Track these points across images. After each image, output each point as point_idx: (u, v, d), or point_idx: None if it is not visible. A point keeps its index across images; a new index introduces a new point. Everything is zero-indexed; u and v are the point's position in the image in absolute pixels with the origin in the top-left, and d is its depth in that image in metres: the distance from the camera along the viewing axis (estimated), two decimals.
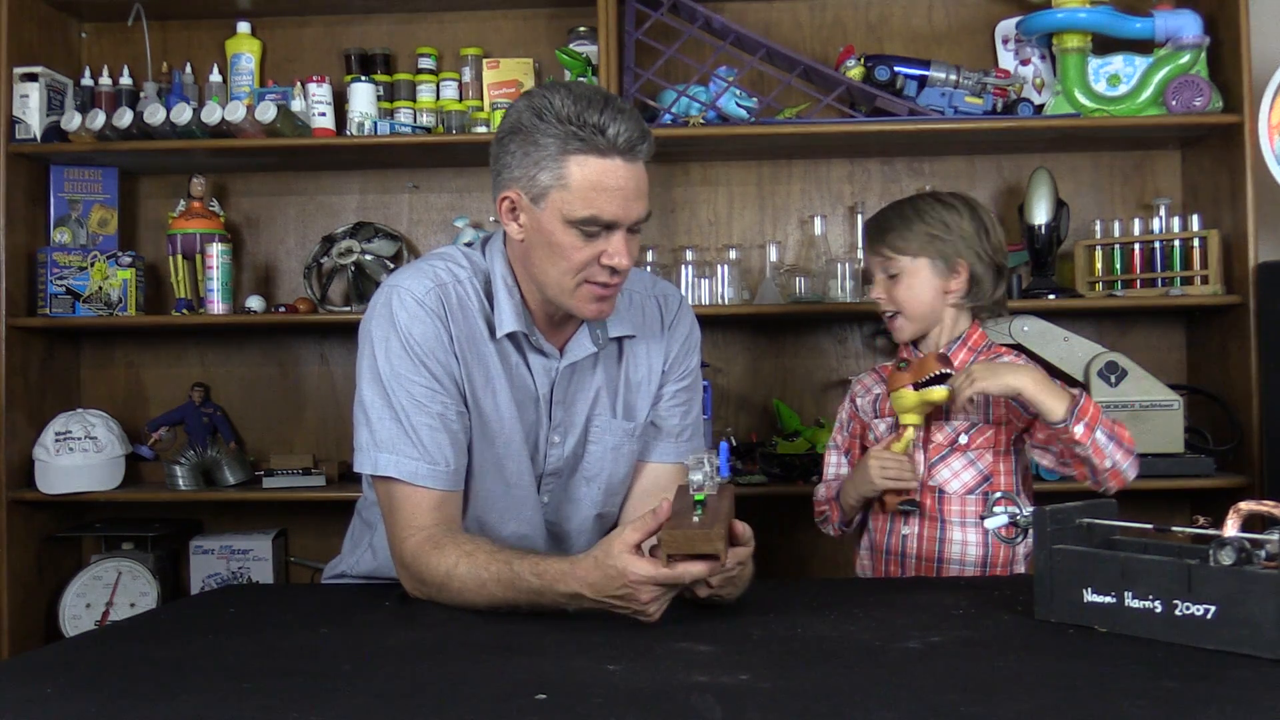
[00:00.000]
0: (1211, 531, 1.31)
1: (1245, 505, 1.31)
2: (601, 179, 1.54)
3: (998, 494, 1.64)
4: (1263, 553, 1.25)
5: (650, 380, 1.78)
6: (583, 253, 1.57)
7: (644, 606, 1.38)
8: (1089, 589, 1.35)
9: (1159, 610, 1.29)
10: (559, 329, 1.71)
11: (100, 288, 2.84)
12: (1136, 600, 1.31)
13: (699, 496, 1.40)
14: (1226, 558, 1.25)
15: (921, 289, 1.96)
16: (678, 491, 1.47)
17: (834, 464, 2.10)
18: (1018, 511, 1.58)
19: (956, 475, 1.93)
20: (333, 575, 1.92)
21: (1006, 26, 2.93)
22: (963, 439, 1.93)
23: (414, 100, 2.94)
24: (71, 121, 2.77)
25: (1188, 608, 1.26)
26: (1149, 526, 1.45)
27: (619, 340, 1.76)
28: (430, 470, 1.61)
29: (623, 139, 1.53)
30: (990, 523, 1.58)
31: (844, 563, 2.69)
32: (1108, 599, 1.34)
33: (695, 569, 1.35)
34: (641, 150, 1.57)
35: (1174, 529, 1.42)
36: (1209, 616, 1.25)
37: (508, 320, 1.65)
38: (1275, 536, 1.25)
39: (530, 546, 1.77)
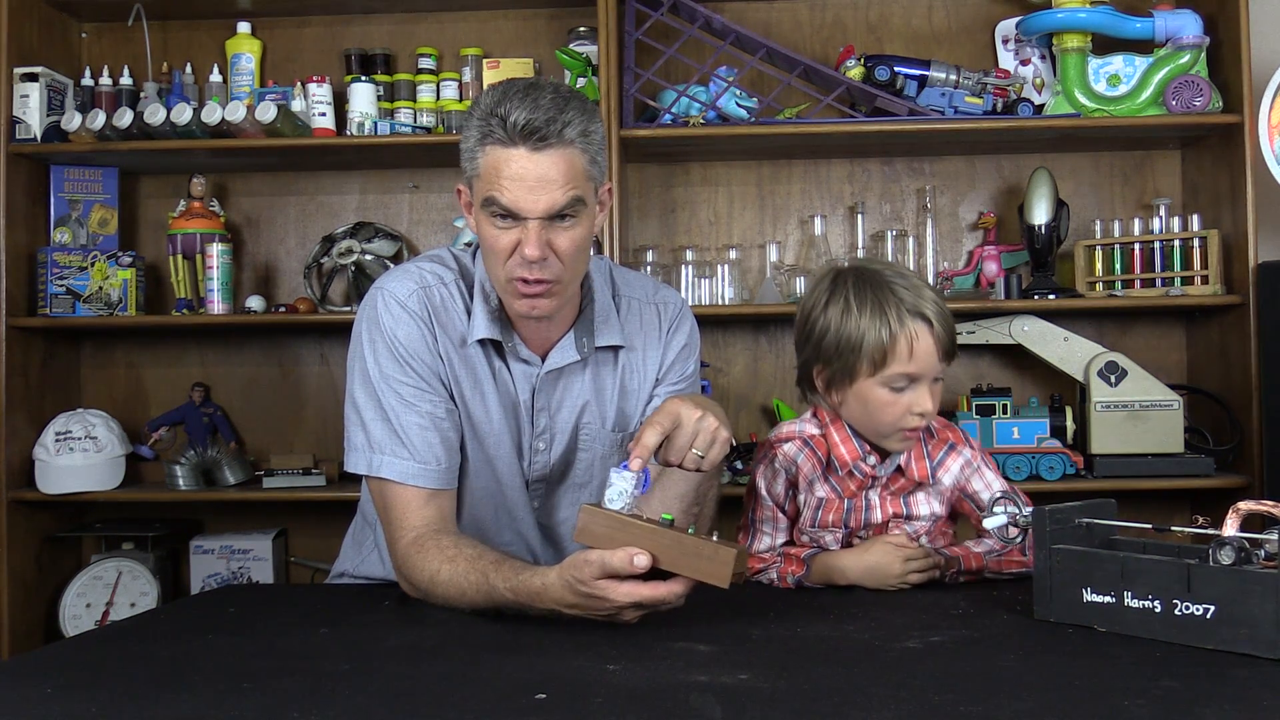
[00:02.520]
0: (1211, 531, 1.31)
1: (1244, 505, 1.31)
2: (503, 166, 1.51)
3: (997, 494, 1.64)
4: (1262, 552, 1.26)
5: (645, 387, 1.77)
6: (501, 241, 1.55)
7: (627, 621, 1.38)
8: (1088, 589, 1.35)
9: (1158, 610, 1.29)
10: (543, 334, 1.69)
11: (100, 288, 2.84)
12: (1136, 600, 1.31)
13: (666, 516, 1.39)
14: (1226, 557, 1.26)
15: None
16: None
17: (770, 546, 1.73)
18: (1017, 511, 1.58)
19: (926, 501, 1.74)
20: (334, 576, 1.92)
21: (1006, 26, 2.93)
22: (924, 540, 1.71)
23: (414, 100, 2.94)
24: (72, 121, 2.77)
25: (1187, 607, 1.27)
26: (1148, 526, 1.46)
27: (615, 349, 1.74)
28: (421, 469, 1.61)
29: (523, 126, 1.48)
30: (990, 523, 1.58)
31: None
32: (1107, 599, 1.34)
33: (678, 588, 1.35)
34: (549, 135, 1.49)
35: (1173, 529, 1.42)
36: (1208, 616, 1.25)
37: (480, 327, 1.65)
38: (1274, 536, 1.25)
39: (525, 546, 1.77)
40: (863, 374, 1.61)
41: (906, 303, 1.60)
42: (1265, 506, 1.31)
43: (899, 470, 1.69)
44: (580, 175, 1.53)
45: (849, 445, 1.68)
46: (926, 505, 1.69)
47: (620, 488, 1.39)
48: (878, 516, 1.69)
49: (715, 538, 1.34)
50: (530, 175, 1.50)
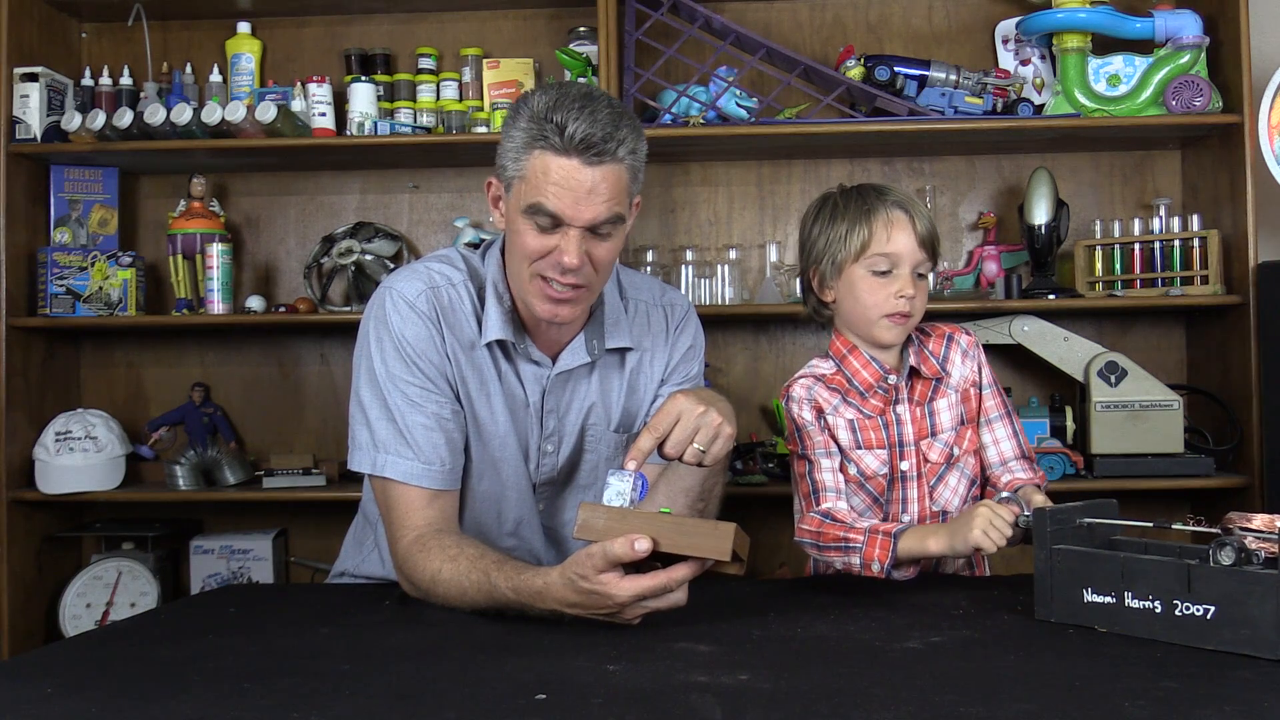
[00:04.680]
0: (1212, 530, 1.32)
1: (1236, 524, 1.32)
2: (554, 174, 1.52)
3: (1001, 495, 1.64)
4: (1262, 553, 1.26)
5: (651, 388, 1.78)
6: (536, 242, 1.55)
7: (629, 620, 1.38)
8: (1089, 589, 1.35)
9: (1159, 610, 1.29)
10: (554, 336, 1.69)
11: (100, 288, 2.84)
12: (1136, 600, 1.31)
13: (665, 510, 1.40)
14: (1226, 558, 1.26)
15: (926, 297, 1.82)
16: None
17: (831, 472, 1.76)
18: (1019, 511, 1.58)
19: (955, 492, 1.81)
20: (334, 575, 1.92)
21: (1006, 26, 2.93)
22: (955, 451, 1.80)
23: (414, 100, 2.94)
24: (72, 121, 2.77)
25: (1188, 608, 1.27)
26: (1149, 524, 1.46)
27: (622, 352, 1.75)
28: (425, 470, 1.62)
29: (580, 139, 1.50)
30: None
31: None
32: (1108, 599, 1.34)
33: (679, 573, 1.34)
34: (606, 151, 1.51)
35: (1175, 526, 1.43)
36: (1209, 617, 1.25)
37: (493, 328, 1.65)
38: (1275, 536, 1.25)
39: (529, 549, 1.77)
40: (849, 262, 1.76)
41: (887, 197, 1.77)
42: (1254, 524, 1.31)
43: (915, 374, 1.80)
44: (623, 192, 1.56)
45: (870, 369, 1.79)
46: (948, 411, 1.80)
47: (618, 488, 1.39)
48: (910, 432, 1.78)
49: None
50: (580, 187, 1.51)
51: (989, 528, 1.56)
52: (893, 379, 1.79)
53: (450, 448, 1.64)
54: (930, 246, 1.77)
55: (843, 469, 1.77)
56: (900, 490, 1.78)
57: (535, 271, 1.57)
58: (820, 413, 1.78)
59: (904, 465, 1.77)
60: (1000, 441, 1.82)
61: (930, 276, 1.83)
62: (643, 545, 1.31)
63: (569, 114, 1.50)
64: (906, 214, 1.75)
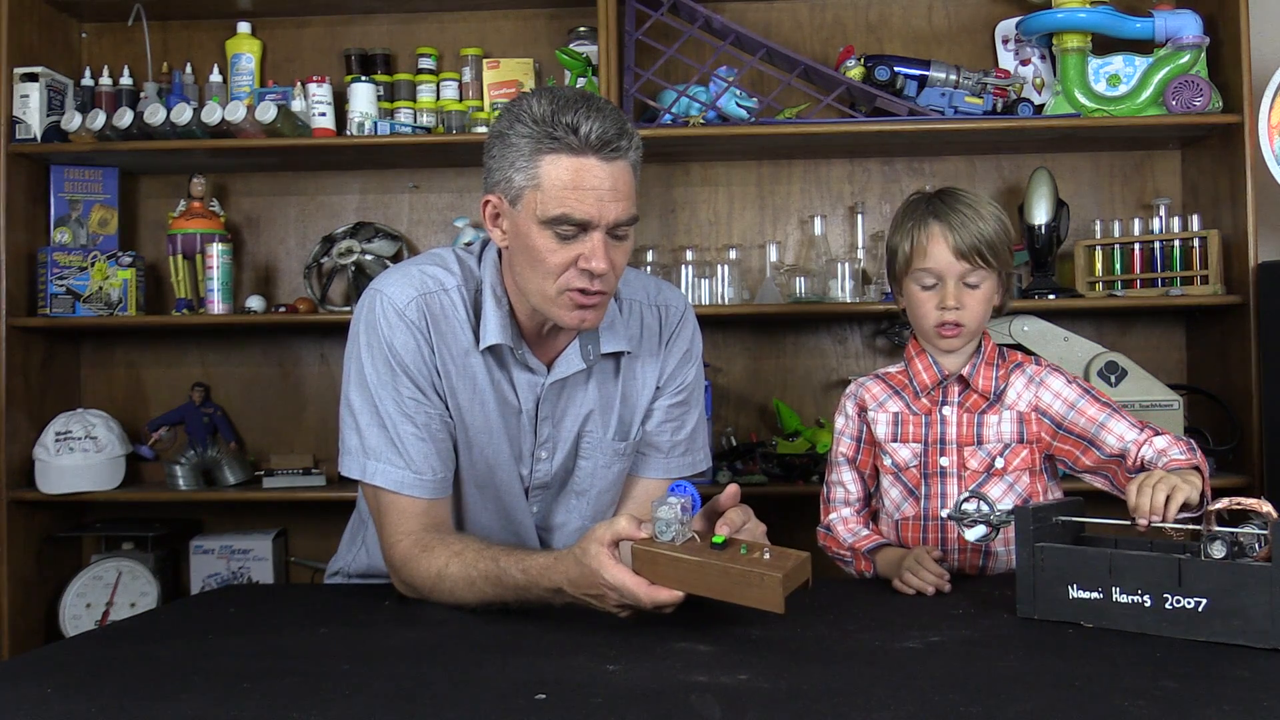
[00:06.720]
0: (1196, 526, 1.33)
1: (1215, 505, 1.34)
2: (573, 177, 1.49)
3: (965, 494, 1.64)
4: (1257, 546, 1.28)
5: (646, 395, 1.75)
6: (559, 255, 1.52)
7: (614, 611, 1.38)
8: (1074, 585, 1.36)
9: (1149, 604, 1.30)
10: (549, 343, 1.67)
11: (100, 288, 2.84)
12: (1125, 595, 1.32)
13: (718, 539, 1.34)
14: (1217, 551, 1.27)
15: (989, 302, 1.82)
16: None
17: (848, 484, 1.88)
18: (989, 511, 1.58)
19: (998, 502, 1.76)
20: (330, 573, 1.92)
21: (1006, 26, 2.93)
22: (999, 462, 1.79)
23: (414, 100, 2.94)
24: (72, 121, 2.77)
25: (1178, 601, 1.28)
26: (1125, 523, 1.47)
27: (616, 355, 1.72)
28: (416, 480, 1.60)
29: (595, 136, 1.48)
30: (971, 535, 1.59)
31: None
32: (1094, 595, 1.35)
33: (663, 596, 1.33)
34: (621, 149, 1.51)
35: (1169, 528, 1.44)
36: (1200, 609, 1.26)
37: (492, 333, 1.62)
38: (1251, 530, 1.27)
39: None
40: (903, 275, 1.83)
41: (928, 210, 1.80)
42: (1239, 504, 1.33)
43: (968, 386, 1.83)
44: (633, 191, 1.55)
45: (930, 372, 1.84)
46: (995, 428, 1.81)
47: (666, 519, 1.35)
48: (953, 433, 1.81)
49: (767, 554, 1.31)
50: (603, 184, 1.50)
51: (909, 577, 1.64)
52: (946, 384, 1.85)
53: (441, 457, 1.62)
54: (977, 255, 1.77)
55: (878, 460, 1.86)
56: (939, 485, 1.82)
57: (563, 285, 1.54)
58: (863, 410, 1.87)
59: (944, 461, 1.81)
60: (1123, 435, 1.74)
61: (1010, 277, 1.86)
62: (665, 597, 1.33)
63: (577, 114, 1.48)
64: (941, 226, 1.78)
